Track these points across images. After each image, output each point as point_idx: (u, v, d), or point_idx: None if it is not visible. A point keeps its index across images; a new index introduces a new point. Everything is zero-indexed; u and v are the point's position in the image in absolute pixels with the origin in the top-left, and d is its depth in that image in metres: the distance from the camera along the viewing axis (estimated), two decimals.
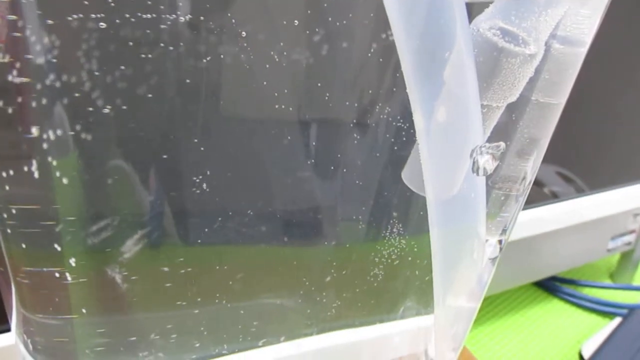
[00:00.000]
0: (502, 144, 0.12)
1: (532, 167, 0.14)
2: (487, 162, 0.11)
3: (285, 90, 0.13)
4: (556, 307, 0.38)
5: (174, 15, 0.08)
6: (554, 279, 0.40)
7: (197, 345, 0.14)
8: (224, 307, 0.14)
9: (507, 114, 0.13)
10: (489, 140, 0.14)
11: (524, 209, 0.36)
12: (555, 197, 0.39)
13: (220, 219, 0.12)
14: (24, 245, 0.09)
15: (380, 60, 0.14)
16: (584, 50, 0.13)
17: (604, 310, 0.37)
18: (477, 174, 0.11)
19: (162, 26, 0.08)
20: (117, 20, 0.08)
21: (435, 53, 0.12)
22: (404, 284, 0.16)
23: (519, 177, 0.14)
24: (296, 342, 0.17)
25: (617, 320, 0.35)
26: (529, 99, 0.13)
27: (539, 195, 0.38)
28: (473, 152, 0.11)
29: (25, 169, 0.08)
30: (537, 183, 0.39)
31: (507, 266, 0.35)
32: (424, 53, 0.12)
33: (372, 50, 0.13)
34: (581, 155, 0.41)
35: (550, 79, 0.13)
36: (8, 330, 0.17)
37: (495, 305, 0.36)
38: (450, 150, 0.13)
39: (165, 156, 0.09)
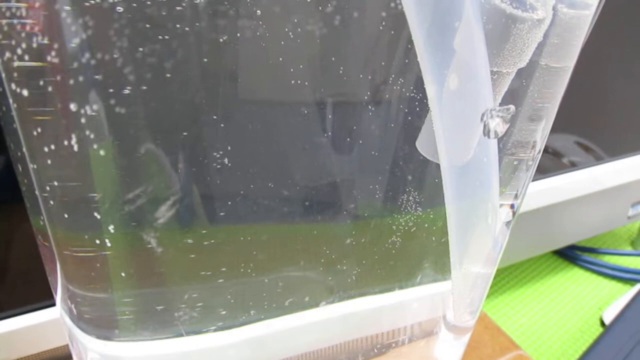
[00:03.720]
0: (512, 107, 0.12)
1: (541, 133, 0.15)
2: (497, 125, 0.12)
3: (300, 66, 0.13)
4: (577, 275, 0.38)
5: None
6: (574, 247, 0.40)
7: (224, 312, 0.15)
8: (249, 278, 0.15)
9: (517, 79, 0.14)
10: (501, 105, 0.14)
11: (543, 177, 0.36)
12: (574, 166, 0.39)
13: (244, 194, 0.13)
14: (65, 220, 0.10)
15: (392, 32, 0.14)
16: (589, 13, 0.13)
17: (624, 277, 0.37)
18: (489, 137, 0.12)
19: (180, 7, 0.09)
20: (135, 4, 0.09)
21: (445, 23, 0.13)
22: (421, 250, 0.17)
23: (529, 142, 0.14)
24: (319, 310, 0.17)
25: (638, 286, 0.36)
26: (538, 64, 0.14)
27: (558, 165, 0.38)
28: (484, 116, 0.12)
29: (65, 143, 0.08)
30: (556, 154, 0.39)
31: (527, 235, 0.35)
32: (433, 23, 0.12)
33: (383, 23, 0.14)
34: (599, 124, 0.41)
35: (557, 43, 0.13)
36: (53, 305, 0.18)
37: (516, 274, 0.37)
38: (463, 117, 0.13)
39: (191, 133, 0.10)
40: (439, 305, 0.17)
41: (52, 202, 0.09)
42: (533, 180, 0.35)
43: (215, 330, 0.15)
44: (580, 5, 0.13)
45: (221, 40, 0.10)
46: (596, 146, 0.40)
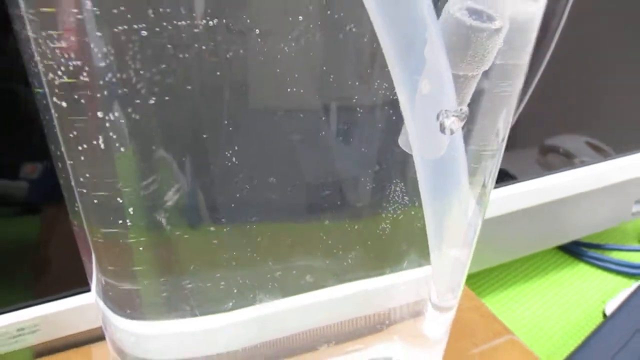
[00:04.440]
0: (466, 108, 0.14)
1: (503, 124, 0.17)
2: (452, 123, 0.14)
3: (297, 76, 0.15)
4: (582, 270, 0.39)
5: (198, 21, 0.11)
6: (580, 244, 0.41)
7: (235, 291, 0.18)
8: (257, 264, 0.17)
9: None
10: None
11: (548, 174, 0.37)
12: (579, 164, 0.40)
13: (251, 190, 0.15)
14: (96, 207, 0.13)
15: (374, 44, 0.16)
16: (536, 10, 0.15)
17: (629, 272, 0.38)
18: (444, 134, 0.14)
19: (189, 29, 0.11)
20: (157, 28, 0.11)
21: (412, 37, 0.15)
22: (407, 237, 0.19)
23: (492, 133, 0.16)
24: (319, 292, 0.19)
25: None
26: (494, 63, 0.16)
27: (569, 166, 0.39)
28: (439, 115, 0.14)
29: (94, 143, 0.11)
30: (568, 155, 0.40)
31: (532, 230, 0.37)
32: (402, 39, 0.15)
33: (366, 36, 0.16)
34: (608, 124, 0.42)
35: (510, 43, 0.15)
36: (89, 290, 0.21)
37: (521, 270, 0.38)
38: (431, 117, 0.15)
39: (202, 136, 0.12)
40: (425, 287, 0.19)
41: (84, 191, 0.12)
42: (538, 177, 0.37)
43: (230, 310, 0.18)
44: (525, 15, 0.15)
45: (227, 56, 0.12)
46: (606, 146, 0.41)
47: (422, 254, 0.19)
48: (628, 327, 0.31)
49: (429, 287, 0.19)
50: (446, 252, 0.18)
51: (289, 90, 0.15)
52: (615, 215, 0.40)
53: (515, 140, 0.38)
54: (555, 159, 0.41)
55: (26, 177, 0.25)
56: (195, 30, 0.11)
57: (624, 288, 0.37)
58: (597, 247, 0.41)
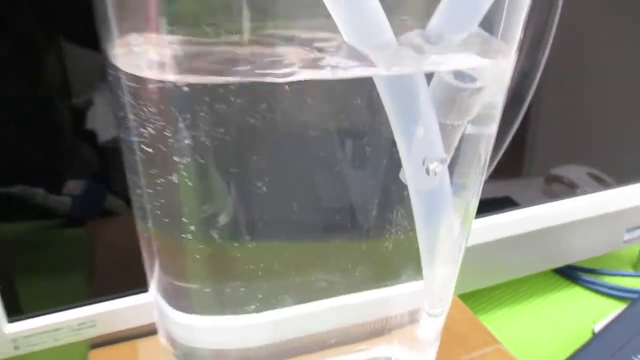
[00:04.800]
0: (446, 157, 0.18)
1: (483, 160, 0.20)
2: (436, 167, 0.17)
3: (321, 126, 0.19)
4: (576, 292, 0.42)
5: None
6: (575, 267, 0.44)
7: (261, 296, 0.21)
8: (281, 274, 0.21)
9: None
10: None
11: (543, 202, 0.40)
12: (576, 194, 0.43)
13: (279, 215, 0.19)
14: (165, 225, 0.17)
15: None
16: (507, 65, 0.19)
17: (621, 295, 0.41)
18: (429, 175, 0.18)
19: (239, 100, 0.15)
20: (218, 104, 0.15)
21: (410, 105, 0.18)
22: (405, 255, 0.23)
23: (473, 168, 0.20)
24: (330, 300, 0.23)
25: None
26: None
27: (568, 195, 0.42)
28: (425, 161, 0.18)
29: (169, 178, 0.15)
30: (571, 185, 0.44)
31: (527, 253, 0.40)
32: (401, 108, 0.18)
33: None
34: (608, 156, 0.45)
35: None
36: (138, 292, 0.25)
37: (518, 290, 0.41)
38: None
39: (248, 178, 0.16)
40: (420, 298, 0.23)
41: (158, 213, 0.16)
42: (538, 204, 0.40)
43: (256, 311, 0.21)
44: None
45: (266, 117, 0.16)
46: (607, 177, 0.44)
47: (417, 270, 0.22)
48: (614, 344, 0.34)
49: (423, 297, 0.23)
50: (436, 268, 0.21)
51: (313, 137, 0.19)
52: (609, 242, 0.43)
53: (522, 170, 0.42)
54: (559, 188, 0.44)
55: (69, 193, 0.30)
56: (239, 100, 0.15)
57: (615, 310, 0.39)
58: (592, 271, 0.44)
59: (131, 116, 0.15)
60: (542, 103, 0.39)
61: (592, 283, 0.43)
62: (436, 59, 0.17)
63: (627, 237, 0.43)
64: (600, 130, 0.44)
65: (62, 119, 0.26)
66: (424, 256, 0.21)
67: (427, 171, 0.18)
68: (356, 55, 0.17)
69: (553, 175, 0.44)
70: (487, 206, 0.39)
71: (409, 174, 0.19)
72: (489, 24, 0.18)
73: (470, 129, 0.20)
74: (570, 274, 0.43)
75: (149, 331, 0.26)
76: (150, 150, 0.15)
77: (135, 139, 0.15)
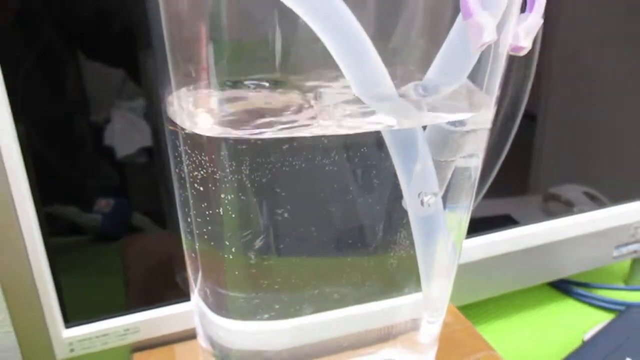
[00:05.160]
0: (438, 191, 0.22)
1: (470, 189, 0.24)
2: (429, 199, 0.21)
3: (342, 174, 0.23)
4: (569, 305, 0.45)
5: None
6: (568, 281, 0.47)
7: (285, 305, 0.25)
8: (303, 286, 0.25)
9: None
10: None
11: (541, 221, 0.43)
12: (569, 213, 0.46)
13: (302, 238, 0.23)
14: (210, 245, 0.21)
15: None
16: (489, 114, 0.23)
17: (613, 307, 0.44)
18: (424, 206, 0.21)
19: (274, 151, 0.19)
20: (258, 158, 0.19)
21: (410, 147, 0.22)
22: (407, 270, 0.26)
23: (462, 196, 0.24)
24: (344, 309, 0.27)
25: None
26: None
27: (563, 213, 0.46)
28: (420, 195, 0.21)
29: (216, 210, 0.19)
30: (568, 203, 0.47)
31: (522, 268, 0.43)
32: (401, 150, 0.22)
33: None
34: (603, 176, 0.48)
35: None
36: (176, 302, 0.29)
37: (514, 303, 0.45)
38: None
39: (279, 212, 0.20)
40: (420, 307, 0.26)
41: (205, 237, 0.20)
42: (531, 223, 0.43)
43: (281, 318, 0.25)
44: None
45: (296, 165, 0.20)
46: (602, 195, 0.48)
47: (417, 283, 0.26)
48: (602, 351, 0.38)
49: (422, 306, 0.26)
50: (433, 281, 0.25)
51: (330, 173, 0.23)
52: (599, 258, 0.46)
53: (522, 189, 0.45)
54: (557, 207, 0.47)
55: (100, 210, 0.34)
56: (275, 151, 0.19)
57: (606, 321, 0.43)
58: (585, 285, 0.47)
59: (186, 161, 0.19)
60: (543, 126, 0.43)
61: (585, 296, 0.46)
62: (432, 114, 0.21)
63: (615, 253, 0.46)
64: (596, 151, 0.47)
65: (94, 142, 0.30)
66: (422, 271, 0.25)
67: (422, 203, 0.21)
68: (364, 108, 0.21)
69: (551, 193, 0.47)
70: (488, 224, 0.43)
71: (408, 203, 0.23)
72: (473, 81, 0.22)
73: (459, 163, 0.24)
74: (564, 287, 0.47)
75: (185, 336, 0.30)
76: (201, 188, 0.19)
77: (188, 178, 0.19)
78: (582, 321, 0.43)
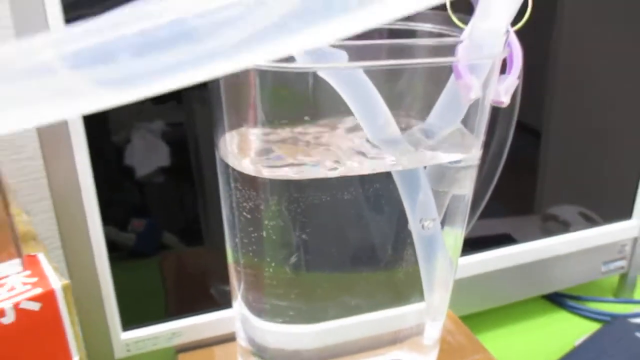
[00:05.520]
0: (437, 217, 0.27)
1: (463, 214, 0.29)
2: (429, 224, 0.26)
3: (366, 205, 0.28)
4: (562, 316, 0.50)
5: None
6: (561, 294, 0.52)
7: (314, 311, 0.30)
8: (328, 295, 0.30)
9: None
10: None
11: (536, 239, 0.48)
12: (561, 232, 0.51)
13: (328, 258, 0.28)
14: (254, 264, 0.26)
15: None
16: (475, 154, 0.28)
17: (603, 318, 0.49)
18: (424, 229, 0.26)
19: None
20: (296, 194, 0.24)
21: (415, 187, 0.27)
22: (413, 283, 0.31)
23: (457, 220, 0.29)
24: (360, 315, 0.32)
25: None
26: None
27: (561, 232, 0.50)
28: (421, 220, 0.26)
29: (261, 234, 0.24)
30: (565, 223, 0.52)
31: (521, 281, 0.48)
32: (408, 188, 0.27)
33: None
34: (596, 197, 0.53)
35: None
36: (216, 309, 0.34)
37: (511, 314, 0.49)
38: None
39: (311, 239, 0.25)
40: (423, 314, 0.31)
41: (250, 255, 0.25)
42: (528, 241, 0.48)
43: (311, 322, 0.30)
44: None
45: (323, 199, 0.25)
46: (596, 215, 0.52)
47: (421, 294, 0.31)
48: (589, 355, 0.42)
49: (425, 314, 0.31)
50: (434, 292, 0.30)
51: (352, 204, 0.28)
52: (588, 273, 0.51)
53: (522, 210, 0.50)
54: (554, 226, 0.52)
55: (134, 230, 0.39)
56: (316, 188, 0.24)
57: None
58: (577, 298, 0.52)
59: (236, 193, 0.24)
60: (544, 153, 0.48)
61: (576, 308, 0.50)
62: (432, 155, 0.26)
63: (603, 269, 0.50)
64: (591, 175, 0.52)
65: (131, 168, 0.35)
66: (424, 283, 0.29)
67: (423, 227, 0.26)
68: (377, 151, 0.26)
69: (550, 214, 0.52)
70: (489, 242, 0.47)
71: (412, 227, 0.28)
72: (465, 127, 0.27)
73: (454, 193, 0.29)
74: (557, 299, 0.51)
75: (223, 340, 0.35)
76: (248, 215, 0.24)
77: (237, 207, 0.24)
78: (574, 330, 0.47)
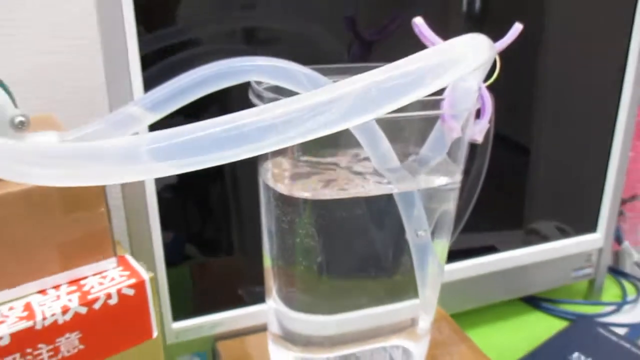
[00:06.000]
0: (428, 228, 0.34)
1: (448, 227, 0.37)
2: (422, 233, 0.34)
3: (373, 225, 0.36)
4: (537, 316, 0.57)
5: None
6: (537, 297, 0.59)
7: (333, 304, 0.38)
8: (343, 292, 0.37)
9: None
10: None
11: (509, 249, 0.56)
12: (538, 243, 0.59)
13: (345, 261, 0.36)
14: (286, 265, 0.33)
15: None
16: (457, 177, 0.36)
17: (573, 318, 0.56)
18: (418, 237, 0.34)
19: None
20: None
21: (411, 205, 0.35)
22: (410, 284, 0.39)
23: (444, 233, 0.37)
24: (368, 309, 0.39)
25: None
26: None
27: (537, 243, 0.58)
28: (416, 231, 0.34)
29: (296, 240, 0.32)
30: (545, 237, 0.59)
31: (501, 285, 0.55)
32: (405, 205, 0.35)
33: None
34: (569, 213, 0.60)
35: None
36: (258, 304, 0.42)
37: (492, 313, 0.57)
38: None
39: (335, 239, 0.33)
40: (417, 309, 0.39)
41: (285, 258, 0.33)
42: (505, 250, 0.56)
43: (330, 313, 0.37)
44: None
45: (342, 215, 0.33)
46: (570, 229, 0.60)
47: (416, 292, 0.38)
48: (558, 347, 0.50)
49: (419, 308, 0.39)
50: (426, 291, 0.38)
51: (365, 219, 0.35)
52: (561, 278, 0.58)
53: (507, 225, 0.58)
54: (535, 239, 0.59)
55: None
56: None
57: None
58: (551, 300, 0.59)
59: (275, 210, 0.32)
60: (530, 175, 0.55)
61: (551, 309, 0.58)
62: (424, 179, 0.34)
63: (573, 275, 0.58)
64: (567, 193, 0.60)
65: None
66: (418, 283, 0.37)
67: (417, 235, 0.34)
68: (380, 176, 0.34)
69: (530, 228, 0.59)
70: (476, 251, 0.55)
71: (408, 236, 0.36)
72: (449, 157, 0.35)
73: (441, 209, 0.37)
74: (533, 301, 0.59)
75: (253, 330, 0.43)
76: (286, 227, 0.32)
77: (276, 220, 0.32)
78: (548, 328, 0.55)
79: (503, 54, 0.31)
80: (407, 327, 0.40)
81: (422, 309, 0.39)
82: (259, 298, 0.42)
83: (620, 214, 0.71)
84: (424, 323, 0.40)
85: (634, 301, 0.60)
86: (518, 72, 0.51)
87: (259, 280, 0.38)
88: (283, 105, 0.20)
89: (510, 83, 0.33)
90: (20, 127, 0.27)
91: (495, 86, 0.33)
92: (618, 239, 0.67)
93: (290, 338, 0.36)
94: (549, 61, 0.52)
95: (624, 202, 0.72)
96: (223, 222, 0.44)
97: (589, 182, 0.59)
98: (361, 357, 0.39)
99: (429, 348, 0.41)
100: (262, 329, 0.41)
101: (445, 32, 0.30)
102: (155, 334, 0.31)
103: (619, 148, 0.55)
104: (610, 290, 0.63)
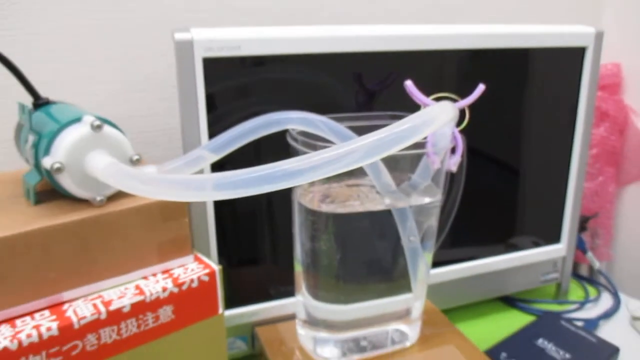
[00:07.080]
0: (418, 235, 0.46)
1: (433, 239, 0.49)
2: (414, 239, 0.46)
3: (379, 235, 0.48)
4: (513, 314, 0.68)
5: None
6: (513, 297, 0.71)
7: (349, 296, 0.49)
8: (356, 288, 0.49)
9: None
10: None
11: (488, 256, 0.68)
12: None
13: (357, 264, 0.47)
14: (312, 266, 0.45)
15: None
16: (438, 196, 0.48)
17: (541, 314, 0.68)
18: (411, 242, 0.46)
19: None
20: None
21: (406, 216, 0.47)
22: (406, 281, 0.50)
23: (429, 244, 0.48)
24: (375, 300, 0.51)
25: None
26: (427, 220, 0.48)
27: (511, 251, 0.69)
28: (409, 237, 0.46)
29: (320, 248, 0.44)
30: (518, 247, 0.70)
31: (481, 286, 0.67)
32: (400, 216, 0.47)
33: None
34: (540, 227, 0.72)
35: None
36: (286, 298, 0.53)
37: (474, 311, 0.68)
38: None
39: (351, 247, 0.44)
40: (411, 301, 0.50)
41: (311, 261, 0.45)
42: (485, 257, 0.67)
43: (346, 303, 0.49)
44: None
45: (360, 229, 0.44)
46: (544, 243, 0.71)
47: (409, 288, 0.50)
48: (526, 335, 0.61)
49: (412, 300, 0.50)
50: (417, 286, 0.49)
51: (371, 230, 0.47)
52: (532, 281, 0.70)
53: (486, 236, 0.69)
54: (509, 248, 0.71)
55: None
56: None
57: None
58: (524, 300, 0.71)
59: (305, 223, 0.44)
60: (518, 193, 0.67)
61: (524, 307, 0.69)
62: (415, 198, 0.46)
63: (542, 278, 0.70)
64: (536, 211, 0.71)
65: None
66: (411, 279, 0.49)
67: (410, 240, 0.46)
68: (381, 197, 0.46)
69: (510, 243, 0.71)
70: (460, 259, 0.67)
71: (403, 241, 0.48)
72: (433, 182, 0.47)
73: (427, 222, 0.49)
74: (509, 300, 0.70)
75: (284, 319, 0.54)
76: (314, 235, 0.44)
77: (307, 232, 0.44)
78: (522, 323, 0.65)
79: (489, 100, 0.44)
80: (403, 314, 0.52)
81: (414, 300, 0.51)
82: (288, 293, 0.53)
83: (584, 229, 0.83)
84: (416, 311, 0.52)
85: (595, 300, 0.72)
86: (502, 111, 0.63)
87: (288, 280, 0.49)
88: (330, 151, 0.32)
89: (496, 118, 0.44)
90: (136, 162, 0.39)
91: (485, 125, 0.46)
92: (583, 250, 0.79)
93: (314, 322, 0.48)
94: (522, 109, 0.64)
95: (588, 218, 0.85)
96: (261, 234, 0.56)
97: (553, 202, 0.71)
98: (368, 336, 0.51)
99: (421, 330, 0.52)
100: (291, 317, 0.53)
101: (434, 88, 0.42)
102: (220, 310, 0.42)
103: (575, 177, 0.68)
104: (577, 292, 0.74)
